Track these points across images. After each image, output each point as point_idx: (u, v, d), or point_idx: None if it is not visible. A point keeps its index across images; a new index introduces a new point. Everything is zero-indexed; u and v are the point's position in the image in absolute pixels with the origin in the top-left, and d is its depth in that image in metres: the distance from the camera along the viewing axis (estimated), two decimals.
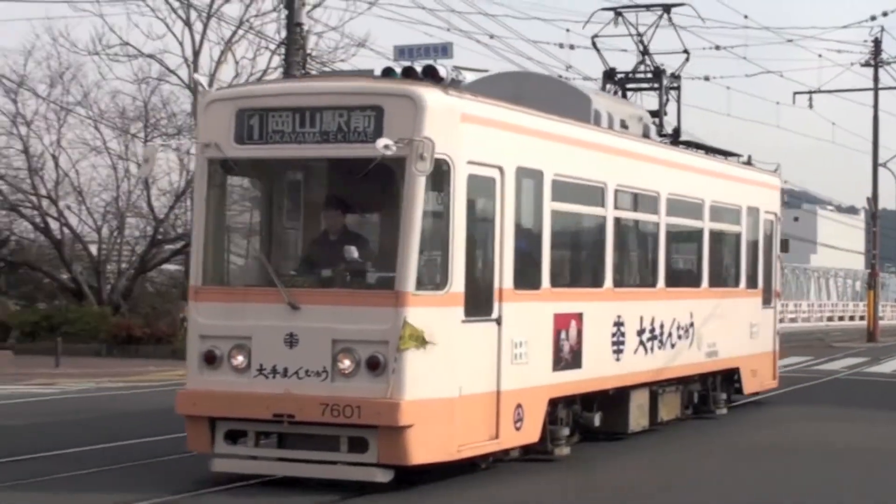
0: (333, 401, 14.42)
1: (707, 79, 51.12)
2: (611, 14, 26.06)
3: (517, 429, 16.13)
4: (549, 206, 17.01)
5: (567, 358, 17.49)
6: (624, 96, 25.29)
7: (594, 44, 25.93)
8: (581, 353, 17.88)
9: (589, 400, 18.81)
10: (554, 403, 17.54)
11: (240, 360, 15.01)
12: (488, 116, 15.69)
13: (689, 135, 24.91)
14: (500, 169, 15.78)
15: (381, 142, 14.15)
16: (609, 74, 25.62)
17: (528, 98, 17.82)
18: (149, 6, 39.72)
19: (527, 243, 16.64)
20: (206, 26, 42.15)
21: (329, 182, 16.26)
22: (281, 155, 15.33)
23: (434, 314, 14.64)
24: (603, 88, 25.28)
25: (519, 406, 16.15)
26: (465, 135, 15.09)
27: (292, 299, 14.79)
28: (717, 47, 47.09)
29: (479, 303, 15.49)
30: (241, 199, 16.12)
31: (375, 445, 14.45)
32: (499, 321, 15.74)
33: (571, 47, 37.69)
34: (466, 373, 15.07)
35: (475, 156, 15.26)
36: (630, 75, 25.87)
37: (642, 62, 25.91)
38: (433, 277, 14.84)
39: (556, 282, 17.24)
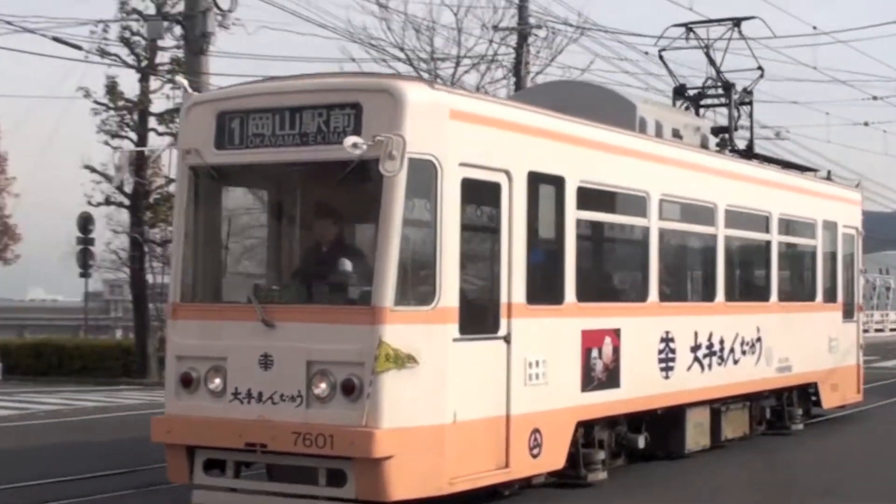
0: (306, 429, 11.47)
1: (867, 124, 52.27)
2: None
3: (534, 455, 13.04)
4: (573, 214, 13.90)
5: (600, 377, 14.36)
6: (697, 112, 22.05)
7: (661, 58, 22.70)
8: (618, 371, 14.73)
9: (637, 420, 15.69)
10: (589, 425, 14.48)
11: (216, 382, 12.13)
12: (488, 115, 12.61)
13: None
14: (507, 173, 12.73)
15: (349, 140, 11.24)
16: (679, 90, 22.39)
17: (573, 107, 14.82)
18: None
19: (545, 255, 13.59)
20: None
21: (313, 189, 13.19)
22: (260, 160, 12.35)
23: (418, 332, 11.60)
24: (673, 104, 22.11)
25: (536, 431, 13.05)
26: (457, 134, 12.04)
27: (265, 316, 11.89)
28: (875, 97, 47.58)
29: (479, 319, 12.48)
30: (224, 210, 13.18)
31: (353, 479, 11.46)
32: (507, 339, 12.67)
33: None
34: (462, 396, 12.00)
35: (471, 157, 12.23)
36: (702, 91, 22.58)
37: (717, 79, 22.63)
38: (417, 291, 11.78)
39: (584, 296, 14.10)
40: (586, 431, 14.52)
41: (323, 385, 11.55)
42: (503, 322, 12.65)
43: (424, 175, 11.71)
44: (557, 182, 13.68)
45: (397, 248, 11.42)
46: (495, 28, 37.60)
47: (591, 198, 14.29)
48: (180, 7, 30.21)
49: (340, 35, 43.14)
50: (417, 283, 11.79)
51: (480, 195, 12.55)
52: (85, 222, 38.29)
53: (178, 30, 28.85)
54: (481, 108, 12.58)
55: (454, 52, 38.26)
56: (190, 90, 12.90)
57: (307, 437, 11.42)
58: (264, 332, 11.89)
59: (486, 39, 37.76)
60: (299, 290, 12.50)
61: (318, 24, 79.36)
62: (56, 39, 26.70)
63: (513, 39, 36.45)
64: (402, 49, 37.74)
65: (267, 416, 11.78)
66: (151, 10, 32.33)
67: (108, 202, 35.14)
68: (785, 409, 20.38)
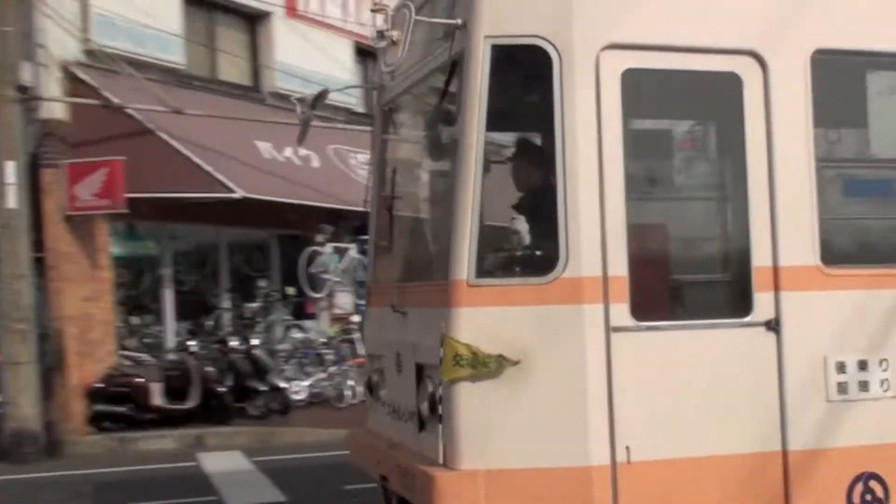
0: (404, 462, 6.65)
1: None
2: None
3: None
4: None
5: None
6: None
7: None
8: None
9: None
10: None
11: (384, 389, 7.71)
12: None
13: None
14: (756, 56, 6.64)
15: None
16: None
17: None
18: None
19: (876, 189, 7.38)
20: None
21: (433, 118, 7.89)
22: (403, 87, 7.50)
23: (524, 317, 6.05)
24: None
25: (869, 477, 6.75)
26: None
27: (393, 301, 7.12)
28: None
29: (692, 295, 6.70)
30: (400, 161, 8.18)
31: None
32: (773, 325, 6.56)
33: None
34: (652, 422, 6.22)
35: (639, 35, 6.35)
36: None
37: None
38: (522, 255, 6.33)
39: None
40: None
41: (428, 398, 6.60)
42: (761, 298, 6.56)
43: (528, 71, 6.27)
44: None
45: (476, 189, 6.07)
46: None
47: None
48: None
49: None
50: (526, 244, 6.36)
51: (682, 94, 6.67)
52: None
53: None
54: None
55: None
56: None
57: (401, 475, 6.63)
58: (400, 322, 7.12)
59: None
60: (431, 263, 7.48)
61: None
62: None
63: None
64: None
65: (395, 439, 7.19)
66: None
67: None
68: None
